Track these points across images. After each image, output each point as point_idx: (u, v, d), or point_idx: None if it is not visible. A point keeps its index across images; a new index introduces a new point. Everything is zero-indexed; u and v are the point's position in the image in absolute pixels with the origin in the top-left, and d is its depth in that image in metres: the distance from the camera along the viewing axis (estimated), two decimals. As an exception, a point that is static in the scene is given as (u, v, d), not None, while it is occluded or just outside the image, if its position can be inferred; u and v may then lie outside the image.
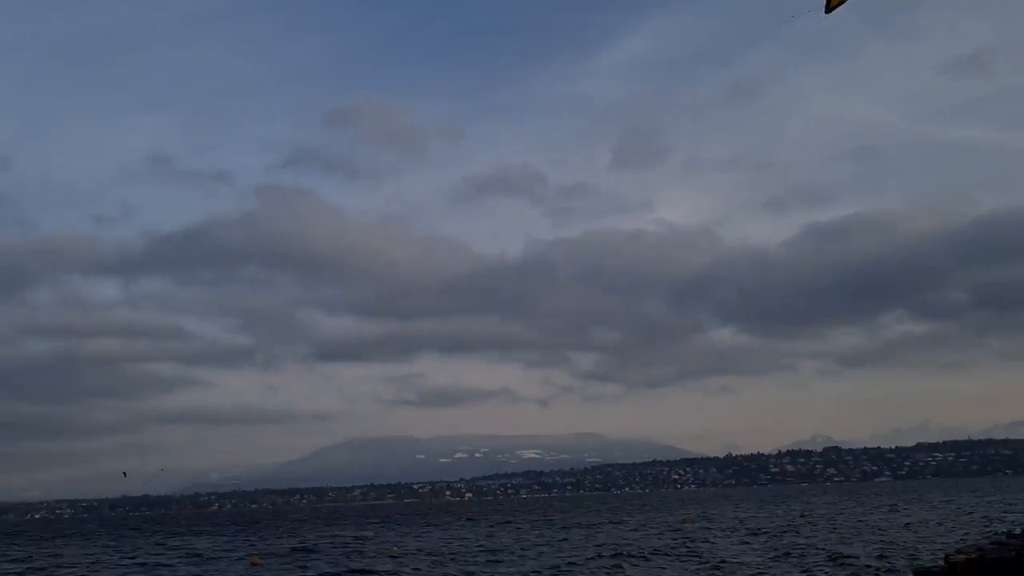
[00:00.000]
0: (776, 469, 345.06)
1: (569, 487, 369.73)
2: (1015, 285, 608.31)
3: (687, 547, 46.68)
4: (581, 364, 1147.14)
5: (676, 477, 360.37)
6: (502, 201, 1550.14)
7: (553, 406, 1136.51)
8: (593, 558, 41.62)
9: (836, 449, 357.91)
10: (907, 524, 58.13)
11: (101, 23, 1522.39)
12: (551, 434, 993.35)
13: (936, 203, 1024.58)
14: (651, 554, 42.80)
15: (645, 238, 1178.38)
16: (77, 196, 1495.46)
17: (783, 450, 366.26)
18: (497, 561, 42.56)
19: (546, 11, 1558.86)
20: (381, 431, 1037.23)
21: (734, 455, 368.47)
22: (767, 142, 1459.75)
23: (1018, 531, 33.89)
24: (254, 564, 45.35)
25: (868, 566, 32.87)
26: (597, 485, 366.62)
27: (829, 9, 15.07)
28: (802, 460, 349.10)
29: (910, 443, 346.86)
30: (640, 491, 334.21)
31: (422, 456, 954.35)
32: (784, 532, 55.28)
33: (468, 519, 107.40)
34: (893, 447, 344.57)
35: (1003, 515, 62.74)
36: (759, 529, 59.75)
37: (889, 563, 33.39)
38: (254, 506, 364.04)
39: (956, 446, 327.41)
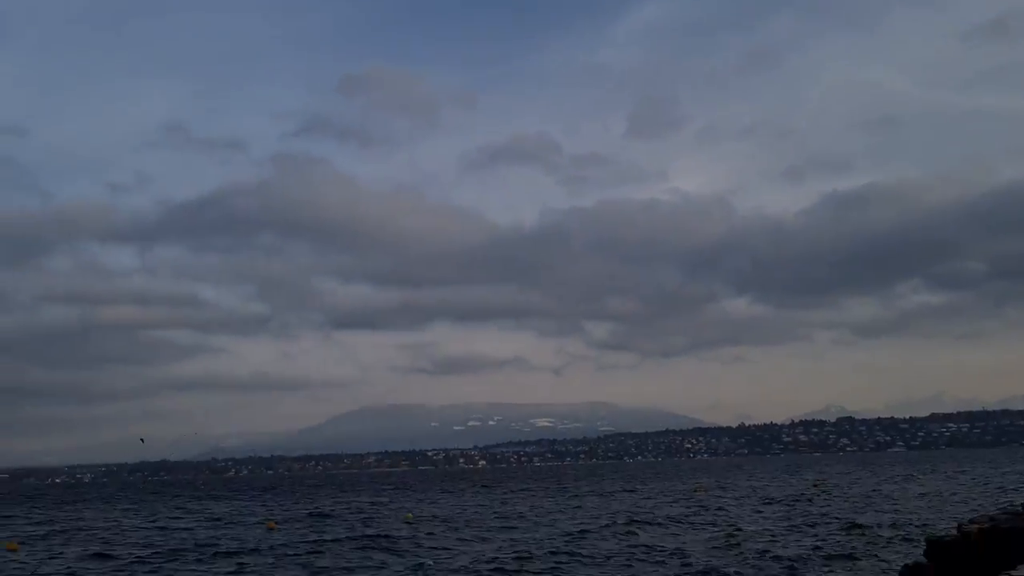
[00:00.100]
0: (789, 439, 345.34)
1: (582, 455, 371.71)
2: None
3: (701, 515, 47.00)
4: (595, 333, 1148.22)
5: (689, 446, 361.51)
6: (516, 170, 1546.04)
7: (567, 375, 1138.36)
8: (607, 525, 41.95)
9: (849, 419, 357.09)
10: (920, 494, 58.23)
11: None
12: (564, 403, 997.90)
13: (955, 172, 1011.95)
14: (665, 521, 43.11)
15: (660, 207, 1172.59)
16: (92, 164, 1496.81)
17: (796, 420, 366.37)
18: (512, 527, 42.96)
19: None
20: (395, 399, 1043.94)
21: (747, 425, 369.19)
22: (784, 110, 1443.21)
23: (1033, 501, 33.92)
24: (270, 528, 45.94)
25: (881, 535, 33.03)
26: (610, 454, 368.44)
27: None
28: (815, 430, 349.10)
29: (924, 414, 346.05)
30: (653, 460, 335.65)
31: (436, 424, 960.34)
32: (797, 501, 55.53)
33: (483, 486, 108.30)
34: (907, 417, 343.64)
35: (1018, 486, 62.69)
36: (772, 498, 60.03)
37: (902, 532, 33.53)
38: (270, 472, 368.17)
39: (971, 417, 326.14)
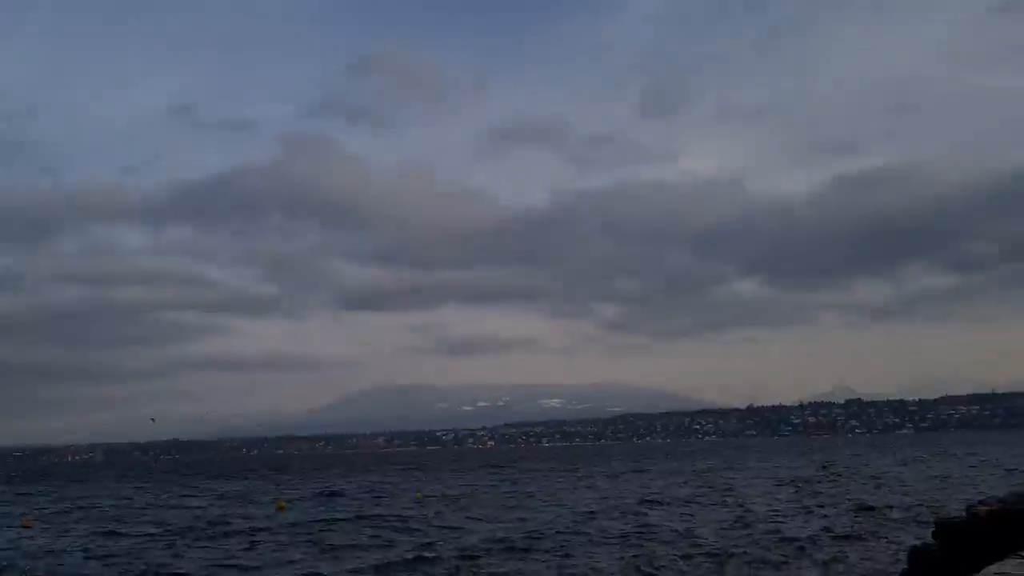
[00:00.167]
0: (797, 420, 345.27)
1: (591, 436, 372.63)
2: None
3: (710, 496, 47.09)
4: (604, 314, 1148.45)
5: (697, 427, 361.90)
6: (527, 150, 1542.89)
7: (576, 356, 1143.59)
8: (617, 505, 42.10)
9: (858, 401, 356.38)
10: (930, 476, 58.19)
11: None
12: (573, 384, 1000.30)
13: (969, 153, 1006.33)
14: (674, 502, 43.22)
15: (671, 188, 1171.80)
16: (103, 145, 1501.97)
17: (805, 402, 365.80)
18: (522, 507, 43.15)
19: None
20: (405, 380, 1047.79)
21: (755, 406, 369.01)
22: (797, 91, 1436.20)
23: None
24: (279, 509, 46.18)
25: (891, 517, 33.04)
26: (619, 434, 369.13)
27: None
28: (824, 412, 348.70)
29: (934, 396, 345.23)
30: (661, 441, 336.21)
31: (445, 405, 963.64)
32: (806, 482, 55.55)
33: (493, 466, 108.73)
34: (916, 400, 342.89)
35: (1027, 468, 62.57)
36: (782, 479, 60.08)
37: (912, 514, 33.53)
38: (280, 452, 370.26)
39: (981, 399, 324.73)
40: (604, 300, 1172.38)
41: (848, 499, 41.57)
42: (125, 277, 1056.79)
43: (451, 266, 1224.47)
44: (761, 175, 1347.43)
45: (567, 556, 25.48)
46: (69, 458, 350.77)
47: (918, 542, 19.00)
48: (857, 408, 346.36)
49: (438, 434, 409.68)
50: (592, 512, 38.65)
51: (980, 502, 18.26)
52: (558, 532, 31.16)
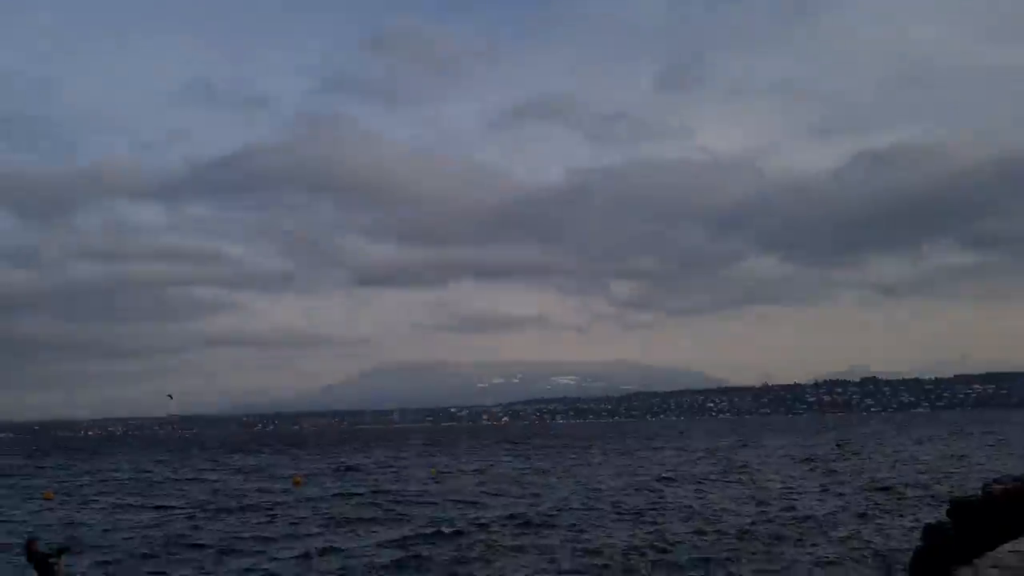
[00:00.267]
0: (812, 399, 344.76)
1: (605, 413, 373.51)
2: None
3: (725, 474, 47.21)
4: (619, 292, 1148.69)
5: (711, 405, 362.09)
6: (541, 127, 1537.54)
7: (590, 333, 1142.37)
8: (632, 482, 42.27)
9: (873, 379, 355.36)
10: (945, 454, 58.07)
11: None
12: (588, 361, 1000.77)
13: (990, 130, 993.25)
14: (689, 479, 43.35)
15: (686, 166, 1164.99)
16: (119, 122, 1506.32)
17: (820, 380, 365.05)
18: (537, 483, 43.39)
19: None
20: (419, 356, 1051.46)
21: (770, 384, 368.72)
22: (816, 67, 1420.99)
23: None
24: (296, 484, 46.61)
25: (906, 495, 33.03)
26: (633, 412, 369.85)
27: None
28: (839, 390, 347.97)
29: (949, 375, 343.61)
30: (675, 419, 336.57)
31: (459, 381, 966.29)
32: (822, 460, 55.56)
33: (507, 443, 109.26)
34: (932, 378, 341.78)
35: (1043, 447, 62.36)
36: (797, 457, 60.12)
37: (926, 492, 33.52)
38: (295, 428, 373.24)
39: (997, 378, 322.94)
40: (618, 277, 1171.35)
41: (863, 477, 41.58)
42: (142, 253, 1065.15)
43: (465, 243, 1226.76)
44: (778, 152, 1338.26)
45: (582, 532, 25.66)
46: (88, 432, 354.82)
47: (933, 520, 19.04)
48: (872, 387, 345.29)
49: (452, 411, 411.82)
50: (606, 489, 38.84)
51: (995, 481, 18.24)
52: (573, 508, 31.36)
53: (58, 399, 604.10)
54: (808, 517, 27.45)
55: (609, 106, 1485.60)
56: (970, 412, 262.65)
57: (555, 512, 30.24)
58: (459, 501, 35.08)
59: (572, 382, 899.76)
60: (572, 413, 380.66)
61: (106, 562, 22.17)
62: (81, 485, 50.55)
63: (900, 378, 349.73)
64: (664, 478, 44.15)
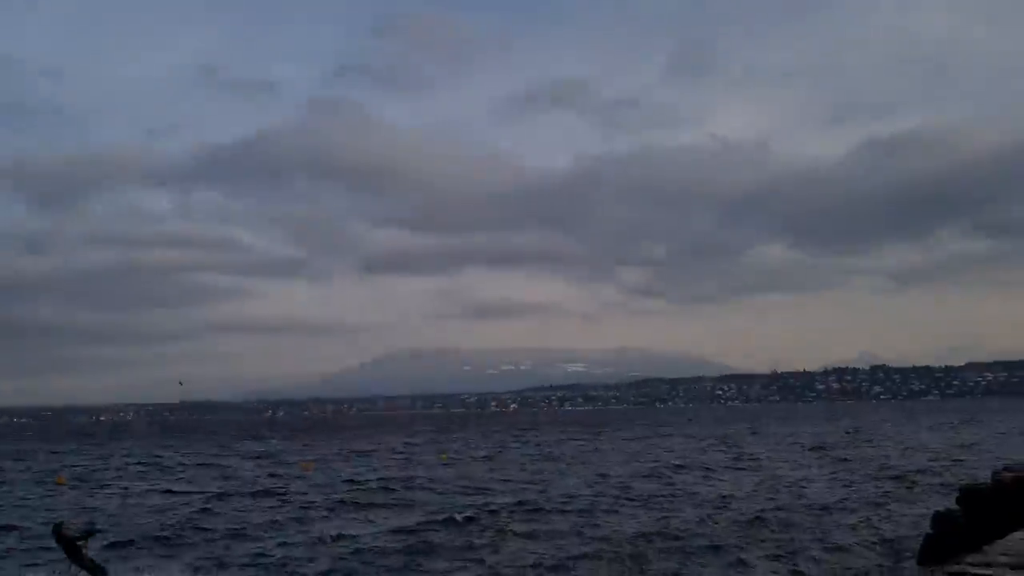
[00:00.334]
0: (822, 386, 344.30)
1: (614, 401, 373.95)
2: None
3: (735, 461, 47.23)
4: (629, 279, 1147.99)
5: (720, 393, 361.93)
6: (551, 114, 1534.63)
7: (599, 321, 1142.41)
8: (641, 469, 42.33)
9: (883, 367, 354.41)
10: (955, 442, 57.95)
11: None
12: (597, 348, 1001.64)
13: (1003, 115, 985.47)
14: (699, 466, 43.36)
15: (697, 152, 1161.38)
16: (128, 108, 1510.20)
17: (829, 368, 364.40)
18: (546, 469, 43.50)
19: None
20: (429, 343, 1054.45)
21: (779, 372, 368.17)
22: (828, 52, 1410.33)
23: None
24: (306, 469, 46.82)
25: (915, 483, 32.98)
26: (642, 399, 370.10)
27: None
28: (848, 378, 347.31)
29: (961, 362, 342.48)
30: (684, 406, 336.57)
31: (468, 368, 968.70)
32: (832, 448, 55.52)
33: (517, 429, 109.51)
34: (942, 366, 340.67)
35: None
36: (806, 444, 60.08)
37: (937, 479, 33.46)
38: (306, 414, 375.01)
39: (1008, 366, 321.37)
40: (628, 264, 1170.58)
41: (873, 465, 41.53)
42: (152, 240, 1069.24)
43: (475, 230, 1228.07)
44: (790, 139, 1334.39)
45: (592, 518, 25.71)
46: (100, 418, 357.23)
47: (942, 508, 19.00)
48: (883, 374, 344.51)
49: (461, 397, 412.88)
50: (616, 475, 38.89)
51: (1005, 468, 18.18)
52: (582, 495, 31.41)
53: (70, 385, 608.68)
54: (818, 504, 27.44)
55: (620, 92, 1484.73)
56: (981, 400, 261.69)
57: (565, 499, 30.29)
58: (468, 487, 35.16)
59: (581, 369, 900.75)
60: (581, 400, 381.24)
61: (118, 543, 22.35)
62: (94, 470, 50.89)
63: (910, 366, 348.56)
64: (674, 465, 44.17)
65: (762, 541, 21.41)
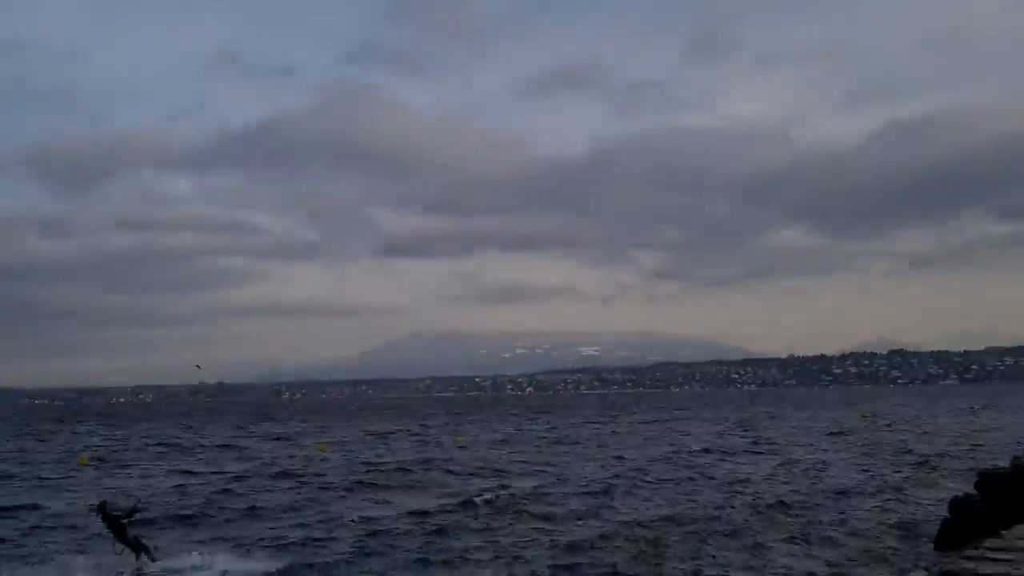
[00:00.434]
0: (839, 371, 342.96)
1: (629, 384, 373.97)
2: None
3: (752, 444, 47.20)
4: (645, 262, 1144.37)
5: (736, 377, 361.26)
6: (567, 96, 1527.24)
7: (615, 304, 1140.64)
8: (659, 452, 42.37)
9: (901, 351, 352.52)
10: (974, 427, 57.66)
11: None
12: (612, 332, 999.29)
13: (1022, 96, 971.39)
14: (716, 450, 43.33)
15: (714, 135, 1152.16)
16: (148, 92, 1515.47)
17: (847, 352, 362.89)
18: (565, 452, 43.61)
19: None
20: (444, 326, 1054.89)
21: (796, 356, 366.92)
22: (847, 35, 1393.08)
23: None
24: (323, 451, 47.10)
25: (934, 467, 32.88)
26: (657, 383, 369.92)
27: None
28: (866, 362, 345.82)
29: (980, 347, 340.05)
30: (700, 389, 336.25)
31: (484, 351, 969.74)
32: (851, 432, 55.36)
33: (532, 412, 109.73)
34: (961, 351, 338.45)
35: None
36: (824, 428, 59.92)
37: (955, 464, 33.33)
38: (323, 396, 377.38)
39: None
40: (644, 248, 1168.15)
41: (891, 449, 41.41)
42: (171, 223, 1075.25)
43: (491, 213, 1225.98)
44: (808, 121, 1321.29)
45: (610, 501, 25.80)
46: (120, 400, 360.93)
47: (960, 492, 18.95)
48: (900, 358, 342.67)
49: (477, 380, 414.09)
50: (633, 459, 38.94)
51: (1026, 452, 18.13)
52: (599, 478, 31.48)
53: (91, 367, 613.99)
54: (835, 489, 27.40)
55: (636, 74, 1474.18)
56: (1000, 384, 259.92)
57: (582, 481, 30.39)
58: (485, 469, 35.33)
59: (596, 352, 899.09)
60: (596, 383, 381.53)
61: (138, 521, 22.63)
62: (114, 451, 51.46)
63: (928, 350, 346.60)
64: (691, 449, 44.17)
65: (780, 525, 21.43)
